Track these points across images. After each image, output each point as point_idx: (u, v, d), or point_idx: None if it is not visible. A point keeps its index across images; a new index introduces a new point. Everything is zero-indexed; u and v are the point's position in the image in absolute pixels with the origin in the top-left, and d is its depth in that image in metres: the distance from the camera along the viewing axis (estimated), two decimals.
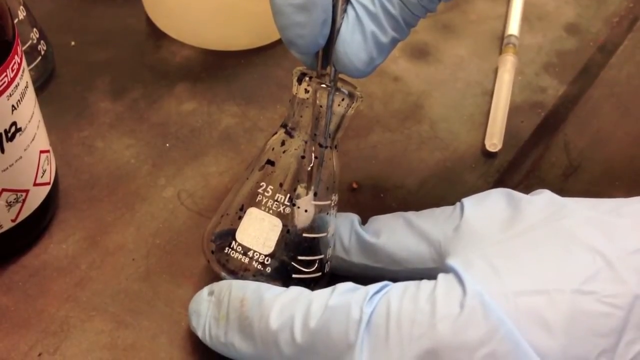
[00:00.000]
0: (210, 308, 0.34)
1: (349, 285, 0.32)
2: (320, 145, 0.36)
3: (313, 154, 0.36)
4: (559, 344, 0.28)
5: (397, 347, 0.29)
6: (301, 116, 0.36)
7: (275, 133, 0.37)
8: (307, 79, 0.35)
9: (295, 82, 0.35)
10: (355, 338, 0.30)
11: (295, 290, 0.33)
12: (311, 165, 0.35)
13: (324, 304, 0.31)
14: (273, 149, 0.36)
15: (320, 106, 0.35)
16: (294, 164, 0.36)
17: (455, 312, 0.28)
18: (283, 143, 0.36)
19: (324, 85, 0.35)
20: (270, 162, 0.36)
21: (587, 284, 0.28)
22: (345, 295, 0.31)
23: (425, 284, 0.30)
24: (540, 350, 0.28)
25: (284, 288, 0.33)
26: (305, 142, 0.36)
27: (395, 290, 0.30)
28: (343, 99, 0.35)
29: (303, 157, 0.36)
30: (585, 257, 0.29)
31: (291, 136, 0.36)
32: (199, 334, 0.35)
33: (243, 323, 0.33)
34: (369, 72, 0.34)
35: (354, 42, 0.32)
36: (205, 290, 0.36)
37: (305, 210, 0.36)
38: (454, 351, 0.28)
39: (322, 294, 0.32)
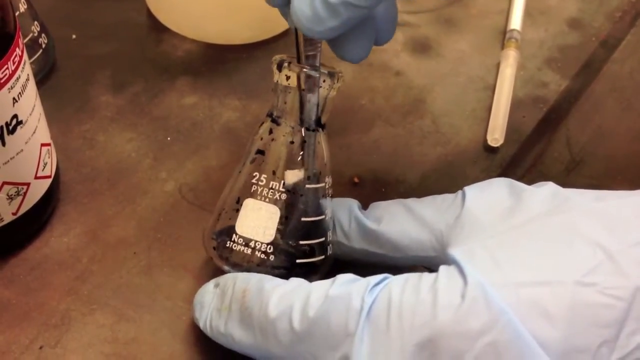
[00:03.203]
0: (214, 300, 0.35)
1: (349, 276, 0.32)
2: (307, 129, 0.36)
3: (301, 138, 0.36)
4: (560, 334, 0.28)
5: (398, 337, 0.29)
6: (285, 102, 0.36)
7: (262, 123, 0.37)
8: (286, 64, 0.35)
9: (275, 70, 0.36)
10: (355, 327, 0.29)
11: (296, 282, 0.33)
12: (302, 151, 0.36)
13: (323, 294, 0.31)
14: (261, 138, 0.37)
15: (303, 89, 0.35)
16: (284, 150, 0.36)
17: (457, 302, 0.28)
18: (271, 131, 0.36)
19: (305, 70, 0.35)
20: (261, 152, 0.36)
21: (589, 276, 0.28)
22: (345, 285, 0.31)
23: (427, 275, 0.30)
24: (541, 340, 0.28)
25: (285, 280, 0.33)
26: (293, 128, 0.36)
27: (396, 281, 0.30)
28: (324, 80, 0.35)
29: (292, 143, 0.36)
30: (586, 250, 0.29)
31: (278, 124, 0.36)
32: (201, 324, 0.35)
33: (243, 314, 0.33)
34: (322, 31, 0.32)
35: None
36: (212, 282, 0.36)
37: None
38: (454, 340, 0.28)
39: (322, 284, 0.32)
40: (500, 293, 0.28)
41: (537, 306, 0.28)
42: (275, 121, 0.36)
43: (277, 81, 0.36)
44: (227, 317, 0.34)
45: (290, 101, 0.36)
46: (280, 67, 0.35)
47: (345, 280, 0.31)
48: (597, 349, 0.28)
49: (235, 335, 0.33)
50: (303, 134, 0.36)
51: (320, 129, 0.36)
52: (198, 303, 0.35)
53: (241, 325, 0.33)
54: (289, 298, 0.32)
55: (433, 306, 0.29)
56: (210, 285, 0.36)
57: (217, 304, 0.34)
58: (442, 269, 0.30)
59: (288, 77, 0.35)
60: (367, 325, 0.30)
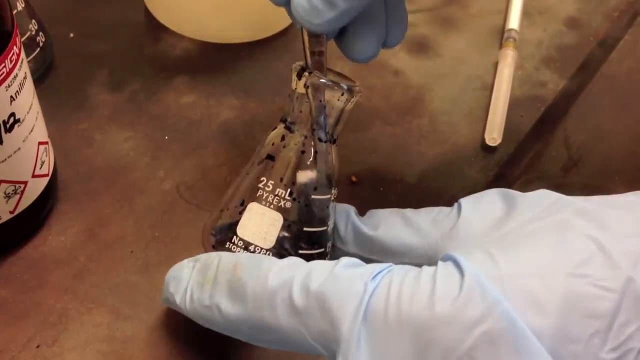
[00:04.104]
0: (194, 274, 0.34)
1: (354, 260, 0.32)
2: (320, 140, 0.36)
3: (313, 149, 0.35)
4: (552, 325, 0.28)
5: (395, 323, 0.29)
6: (301, 111, 0.36)
7: (275, 128, 0.37)
8: (306, 73, 0.35)
9: (294, 77, 0.35)
10: (354, 310, 0.30)
11: (294, 259, 0.33)
12: (311, 159, 0.36)
13: (327, 271, 0.31)
14: (273, 143, 0.36)
15: (320, 100, 0.35)
16: (294, 158, 0.36)
17: (454, 293, 0.29)
18: (283, 138, 0.36)
19: (323, 80, 0.34)
20: (270, 157, 0.36)
21: (581, 268, 0.29)
22: (350, 268, 0.31)
23: (427, 268, 0.31)
24: (534, 329, 0.28)
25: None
26: (305, 137, 0.36)
27: (397, 271, 0.30)
28: (342, 94, 0.35)
29: (303, 152, 0.36)
30: (579, 242, 0.30)
31: (291, 131, 0.36)
32: (177, 299, 0.34)
33: (234, 285, 0.32)
34: (321, 24, 0.32)
35: None
36: (187, 260, 0.35)
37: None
38: (450, 330, 0.28)
39: (325, 263, 0.32)
40: (495, 284, 0.29)
41: (530, 297, 0.28)
42: (288, 128, 0.36)
43: (295, 88, 0.35)
44: (212, 289, 0.33)
45: (306, 110, 0.35)
46: (299, 75, 0.35)
47: (350, 263, 0.31)
48: (590, 339, 0.28)
49: (223, 306, 0.32)
50: (314, 145, 0.35)
51: (333, 141, 0.36)
52: (173, 278, 0.35)
53: (230, 297, 0.32)
54: (290, 271, 0.31)
55: (431, 296, 0.29)
56: (185, 262, 0.35)
57: (197, 277, 0.34)
58: (441, 263, 0.31)
59: (307, 86, 0.35)
60: (367, 309, 0.30)
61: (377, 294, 0.30)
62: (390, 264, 0.31)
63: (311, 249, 0.36)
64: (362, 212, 0.39)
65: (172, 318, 0.38)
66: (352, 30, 0.35)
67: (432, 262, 0.34)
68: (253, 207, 0.36)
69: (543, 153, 0.48)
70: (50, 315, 0.38)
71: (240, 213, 0.36)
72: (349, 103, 0.35)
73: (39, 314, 0.38)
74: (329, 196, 0.37)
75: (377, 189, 0.45)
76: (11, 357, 0.36)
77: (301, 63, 0.36)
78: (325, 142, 0.36)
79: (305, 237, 0.36)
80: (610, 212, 0.31)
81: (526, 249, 0.30)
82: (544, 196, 0.33)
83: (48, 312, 0.38)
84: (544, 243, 0.30)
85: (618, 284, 0.28)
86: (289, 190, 0.36)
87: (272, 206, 0.36)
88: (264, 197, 0.36)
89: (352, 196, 0.44)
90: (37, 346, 0.37)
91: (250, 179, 0.36)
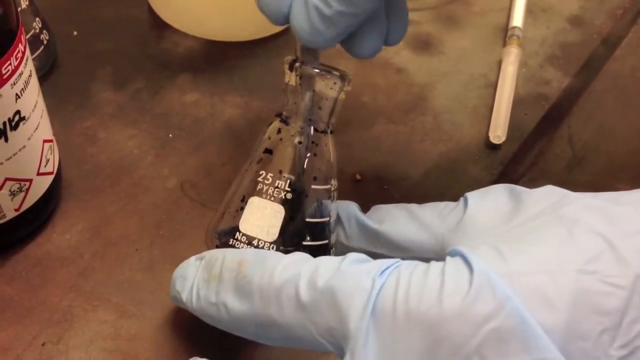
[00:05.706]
0: (199, 271, 0.34)
1: (361, 255, 0.32)
2: (316, 130, 0.36)
3: (309, 139, 0.36)
4: (562, 321, 0.28)
5: (404, 319, 0.29)
6: (295, 103, 0.36)
7: (271, 123, 0.37)
8: (297, 64, 0.35)
9: (286, 70, 0.36)
10: (362, 307, 0.29)
11: (300, 254, 0.33)
12: (308, 152, 0.36)
13: (334, 267, 0.31)
14: (270, 138, 0.37)
15: (314, 91, 0.35)
16: (291, 150, 0.36)
17: (463, 289, 0.29)
18: (279, 131, 0.36)
19: (316, 70, 0.35)
20: (268, 151, 0.36)
21: (590, 265, 0.29)
22: (357, 264, 0.31)
23: (435, 263, 0.30)
24: (544, 326, 0.28)
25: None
26: (301, 129, 0.36)
27: (405, 266, 0.30)
28: (335, 82, 0.35)
29: (300, 143, 0.36)
30: (587, 239, 0.30)
31: (286, 124, 0.36)
32: (184, 297, 0.34)
33: (240, 282, 0.32)
34: (322, 42, 0.33)
35: (298, 13, 0.33)
36: (193, 257, 0.35)
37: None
38: (460, 326, 0.28)
39: (332, 258, 0.32)
40: (504, 281, 0.28)
41: (540, 293, 0.28)
42: (284, 121, 0.36)
43: (288, 81, 0.36)
44: (218, 286, 0.33)
45: (300, 102, 0.36)
46: (291, 68, 0.35)
47: (357, 259, 0.31)
48: (599, 336, 0.28)
49: (229, 303, 0.32)
50: (310, 135, 0.36)
51: (329, 132, 0.36)
52: (179, 276, 0.35)
53: (236, 294, 0.32)
54: (296, 267, 0.31)
55: (440, 292, 0.29)
56: (192, 259, 0.35)
57: (203, 274, 0.34)
58: (449, 259, 0.30)
59: (299, 77, 0.35)
60: (375, 306, 0.30)
61: (385, 290, 0.30)
62: (398, 259, 0.31)
63: (315, 241, 0.36)
64: (366, 210, 0.39)
65: (178, 316, 0.38)
66: (354, 30, 0.35)
67: (438, 256, 0.34)
68: (254, 201, 0.36)
69: (547, 151, 0.48)
70: (55, 313, 0.38)
71: (242, 210, 0.36)
72: (342, 92, 0.36)
73: (44, 312, 0.38)
74: (328, 186, 0.37)
75: (381, 187, 0.45)
76: (16, 355, 0.36)
77: (292, 56, 0.36)
78: (322, 132, 0.36)
79: (308, 229, 0.36)
80: (618, 209, 0.31)
81: (534, 244, 0.30)
82: (551, 192, 0.33)
83: (53, 310, 0.38)
84: (552, 239, 0.30)
85: (627, 281, 0.28)
86: (288, 181, 0.36)
87: (273, 199, 0.36)
88: (264, 191, 0.36)
89: (356, 194, 0.44)
90: (43, 344, 0.37)
91: (250, 176, 0.36)
